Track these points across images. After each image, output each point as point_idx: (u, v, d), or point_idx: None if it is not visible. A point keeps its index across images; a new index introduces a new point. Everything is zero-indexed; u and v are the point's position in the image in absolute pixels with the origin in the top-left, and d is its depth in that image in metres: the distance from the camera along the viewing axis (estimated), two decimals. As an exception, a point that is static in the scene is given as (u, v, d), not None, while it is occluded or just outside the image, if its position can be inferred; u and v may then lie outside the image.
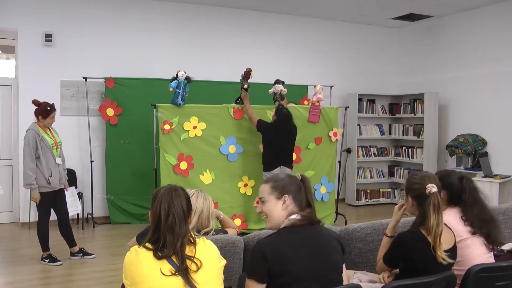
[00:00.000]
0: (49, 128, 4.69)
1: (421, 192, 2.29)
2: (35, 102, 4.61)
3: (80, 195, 5.93)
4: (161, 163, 5.43)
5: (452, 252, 2.28)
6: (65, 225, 4.78)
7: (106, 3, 6.52)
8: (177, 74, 5.23)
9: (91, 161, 6.27)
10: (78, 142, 6.37)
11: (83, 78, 6.15)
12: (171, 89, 5.25)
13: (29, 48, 6.13)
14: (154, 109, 5.40)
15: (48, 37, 6.16)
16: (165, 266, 1.74)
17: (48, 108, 4.59)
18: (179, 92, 5.29)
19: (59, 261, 4.65)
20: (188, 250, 1.81)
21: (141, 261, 1.76)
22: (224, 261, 1.94)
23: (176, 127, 5.42)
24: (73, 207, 5.42)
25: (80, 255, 4.83)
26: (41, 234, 4.64)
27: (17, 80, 6.21)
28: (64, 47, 6.29)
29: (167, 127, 5.36)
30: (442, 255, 2.16)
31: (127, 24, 6.63)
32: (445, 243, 2.23)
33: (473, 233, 2.52)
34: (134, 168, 6.40)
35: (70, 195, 5.25)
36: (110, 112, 6.25)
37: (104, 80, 6.27)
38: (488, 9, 6.85)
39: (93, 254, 4.88)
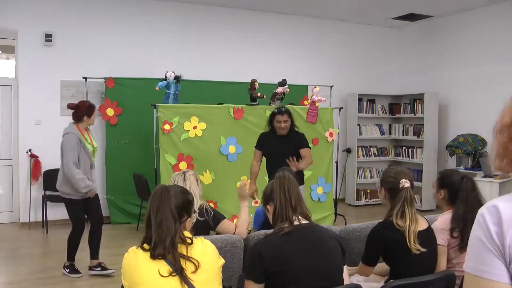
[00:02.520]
0: (87, 131, 4.35)
1: (395, 186, 2.40)
2: (71, 105, 4.25)
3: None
4: (161, 163, 5.44)
5: (427, 235, 2.35)
6: (97, 232, 4.42)
7: (106, 3, 6.52)
8: (165, 75, 5.26)
9: (91, 161, 6.28)
10: (78, 142, 6.36)
11: (83, 78, 6.15)
12: (157, 88, 5.28)
13: (29, 48, 6.13)
14: (154, 109, 5.41)
15: (48, 37, 6.16)
16: (163, 267, 1.75)
17: (91, 105, 4.32)
18: (169, 93, 5.32)
19: (79, 273, 4.33)
20: (182, 250, 1.81)
21: (139, 263, 1.77)
22: (222, 261, 1.94)
23: (176, 127, 5.42)
24: None
25: (98, 269, 4.37)
26: (73, 243, 4.32)
27: (17, 80, 6.21)
28: (64, 47, 6.29)
29: (167, 127, 5.36)
30: (416, 247, 2.24)
31: (127, 24, 6.63)
32: (419, 225, 2.33)
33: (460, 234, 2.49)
34: (134, 168, 6.39)
35: None
36: (110, 112, 6.25)
37: (104, 80, 6.27)
38: (488, 9, 6.84)
39: (112, 269, 4.37)
